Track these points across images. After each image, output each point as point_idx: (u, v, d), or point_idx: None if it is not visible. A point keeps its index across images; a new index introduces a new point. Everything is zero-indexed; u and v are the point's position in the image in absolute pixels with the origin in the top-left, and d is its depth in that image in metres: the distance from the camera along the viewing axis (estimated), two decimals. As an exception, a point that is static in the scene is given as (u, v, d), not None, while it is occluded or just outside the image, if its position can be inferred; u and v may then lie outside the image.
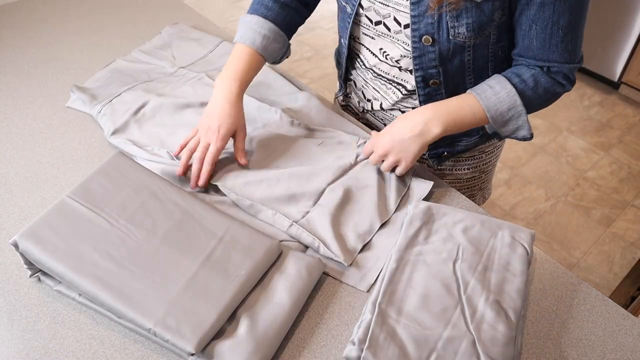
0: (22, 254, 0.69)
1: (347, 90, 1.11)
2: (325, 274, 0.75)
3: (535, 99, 0.83)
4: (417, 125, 0.83)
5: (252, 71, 0.93)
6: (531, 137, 0.86)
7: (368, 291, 0.73)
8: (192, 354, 0.62)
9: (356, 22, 0.93)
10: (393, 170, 0.88)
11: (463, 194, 1.12)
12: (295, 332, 0.69)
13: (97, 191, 0.76)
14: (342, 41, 1.00)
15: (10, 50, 1.21)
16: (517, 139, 0.88)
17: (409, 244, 0.76)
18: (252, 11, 0.96)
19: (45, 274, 0.71)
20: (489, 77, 0.91)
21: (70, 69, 1.15)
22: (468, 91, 0.85)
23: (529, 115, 0.84)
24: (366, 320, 0.66)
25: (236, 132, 0.89)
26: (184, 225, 0.74)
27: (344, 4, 0.91)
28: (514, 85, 0.82)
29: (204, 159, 0.85)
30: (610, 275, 1.92)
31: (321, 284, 0.74)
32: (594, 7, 2.55)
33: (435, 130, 0.83)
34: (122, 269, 0.68)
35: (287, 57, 1.02)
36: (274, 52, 0.96)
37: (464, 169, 1.07)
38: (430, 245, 0.76)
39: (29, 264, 0.70)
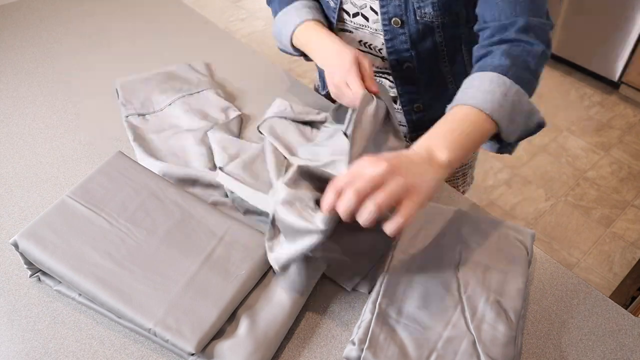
0: (22, 254, 0.69)
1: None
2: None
3: (522, 73, 0.71)
4: (420, 151, 0.64)
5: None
6: (544, 122, 0.75)
7: (369, 292, 0.73)
8: (192, 354, 0.62)
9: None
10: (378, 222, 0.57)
11: (456, 174, 1.12)
12: (295, 332, 0.69)
13: (97, 191, 0.76)
14: None
15: (10, 50, 1.21)
16: (532, 133, 0.75)
17: (409, 244, 0.76)
18: (288, 3, 0.95)
19: (45, 274, 0.71)
20: (463, 60, 0.93)
21: (70, 69, 1.15)
22: (450, 106, 0.72)
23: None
24: (366, 320, 0.66)
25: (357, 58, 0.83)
26: (184, 225, 0.74)
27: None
28: (492, 71, 0.70)
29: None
30: (610, 275, 1.92)
31: (321, 284, 0.74)
32: (594, 7, 2.55)
33: (441, 155, 0.63)
34: (122, 268, 0.68)
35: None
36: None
37: None
38: (430, 245, 0.76)
39: (29, 264, 0.70)
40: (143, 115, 0.99)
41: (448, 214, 0.80)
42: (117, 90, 1.05)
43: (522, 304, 0.69)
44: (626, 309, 0.77)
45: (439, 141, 0.64)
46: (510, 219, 2.11)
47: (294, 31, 0.92)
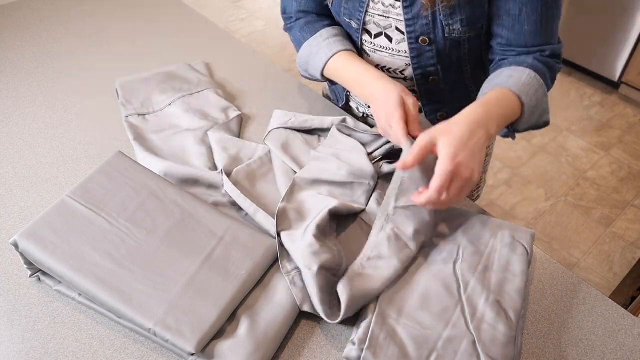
0: (22, 254, 0.69)
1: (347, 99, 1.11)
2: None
3: (546, 79, 0.82)
4: (481, 131, 0.71)
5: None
6: (549, 122, 0.85)
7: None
8: (192, 354, 0.62)
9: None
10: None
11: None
12: (295, 332, 0.69)
13: (97, 191, 0.76)
14: None
15: (10, 50, 1.21)
16: (539, 128, 0.85)
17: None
18: (312, 31, 0.94)
19: (45, 274, 0.71)
20: (483, 64, 0.92)
21: (70, 69, 1.15)
22: (492, 87, 0.79)
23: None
24: (366, 320, 0.66)
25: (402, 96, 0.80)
26: (184, 225, 0.74)
27: (347, 20, 0.91)
28: (529, 69, 0.79)
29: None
30: (610, 275, 1.92)
31: (321, 284, 0.74)
32: (594, 7, 2.55)
33: (492, 130, 0.73)
34: (122, 268, 0.68)
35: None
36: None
37: None
38: (430, 245, 0.76)
39: (29, 264, 0.70)
40: (143, 115, 0.99)
41: (448, 214, 0.80)
42: (117, 90, 1.05)
43: (522, 304, 0.69)
44: (626, 309, 0.77)
45: (493, 114, 0.74)
46: (510, 219, 2.11)
47: (326, 63, 0.90)
